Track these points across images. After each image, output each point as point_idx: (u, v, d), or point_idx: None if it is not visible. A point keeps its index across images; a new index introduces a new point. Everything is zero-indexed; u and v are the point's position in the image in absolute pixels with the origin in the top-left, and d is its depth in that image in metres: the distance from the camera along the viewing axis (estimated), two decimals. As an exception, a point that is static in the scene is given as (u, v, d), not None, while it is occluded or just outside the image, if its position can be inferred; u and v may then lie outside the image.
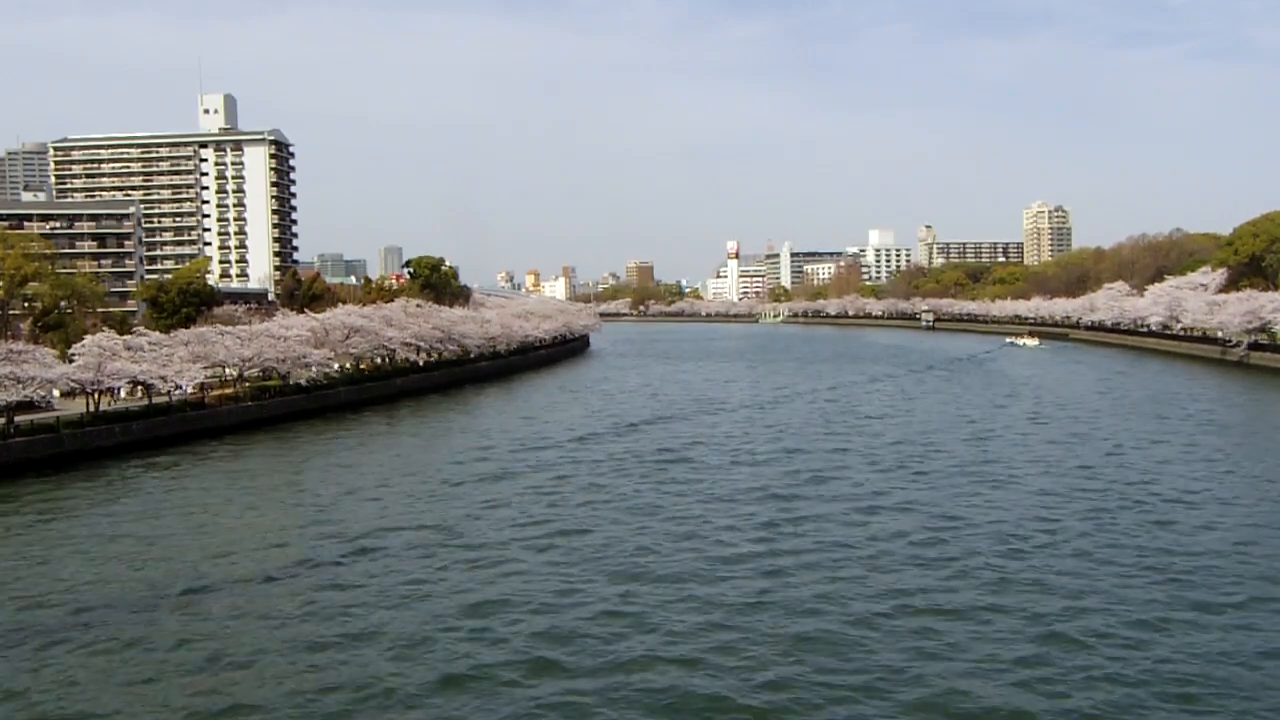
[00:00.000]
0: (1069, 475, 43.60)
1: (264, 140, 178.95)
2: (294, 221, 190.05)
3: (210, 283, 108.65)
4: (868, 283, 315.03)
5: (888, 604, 26.08)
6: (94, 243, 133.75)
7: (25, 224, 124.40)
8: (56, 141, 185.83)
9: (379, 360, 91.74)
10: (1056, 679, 21.20)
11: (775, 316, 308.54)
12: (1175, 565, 29.29)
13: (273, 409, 69.73)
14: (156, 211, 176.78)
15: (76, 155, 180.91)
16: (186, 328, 75.63)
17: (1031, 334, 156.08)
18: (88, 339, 59.22)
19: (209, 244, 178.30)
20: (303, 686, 21.61)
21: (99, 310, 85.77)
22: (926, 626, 24.42)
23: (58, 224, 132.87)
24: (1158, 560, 29.87)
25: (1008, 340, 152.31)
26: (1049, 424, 60.71)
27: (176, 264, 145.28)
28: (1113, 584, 27.66)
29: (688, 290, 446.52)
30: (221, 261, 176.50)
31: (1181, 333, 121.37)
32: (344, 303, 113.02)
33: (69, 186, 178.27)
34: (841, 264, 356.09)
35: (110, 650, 24.08)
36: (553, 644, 23.69)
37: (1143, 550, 31.01)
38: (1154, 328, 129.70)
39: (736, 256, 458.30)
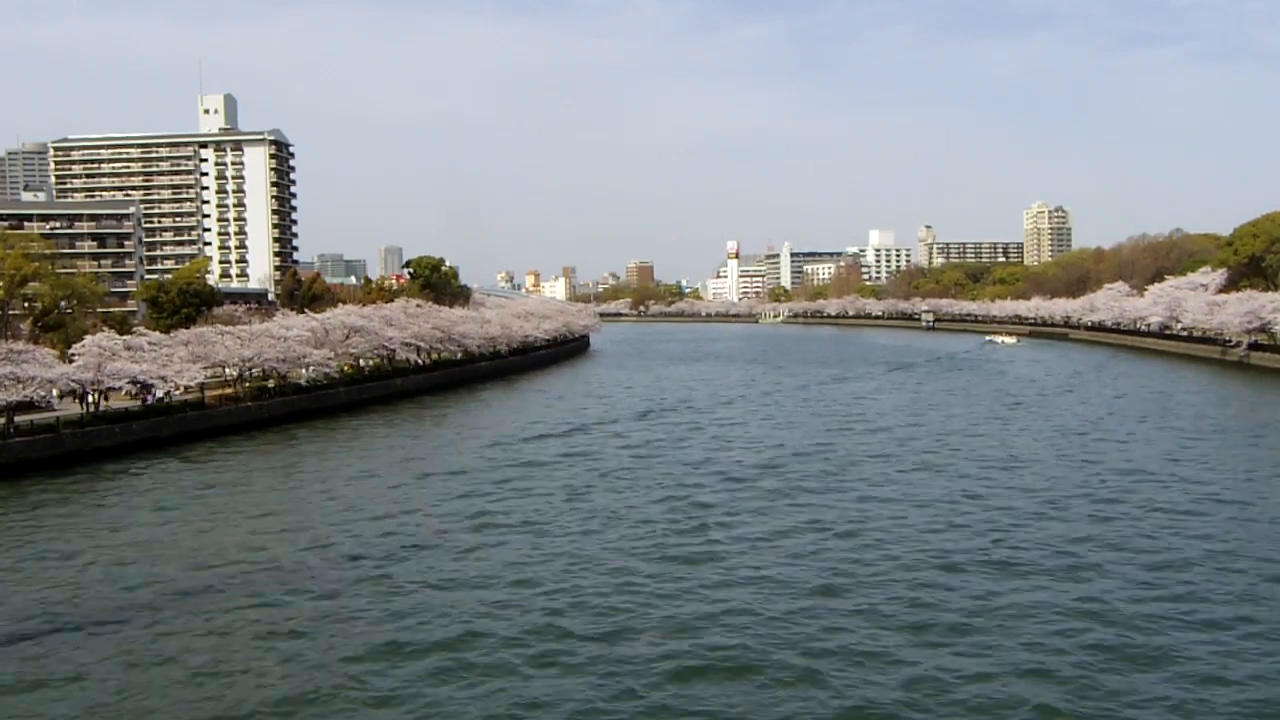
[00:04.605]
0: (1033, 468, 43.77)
1: (264, 140, 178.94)
2: (294, 221, 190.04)
3: (210, 283, 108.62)
4: (868, 283, 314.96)
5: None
6: (94, 243, 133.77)
7: (25, 224, 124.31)
8: (56, 141, 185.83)
9: (378, 361, 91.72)
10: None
11: (775, 317, 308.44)
12: (1166, 562, 29.39)
13: (273, 409, 69.72)
14: (156, 211, 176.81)
15: (76, 155, 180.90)
16: (186, 328, 75.60)
17: (1010, 333, 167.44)
18: (88, 339, 59.13)
19: (209, 244, 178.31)
20: (301, 692, 21.62)
21: (99, 310, 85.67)
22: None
23: (58, 224, 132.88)
24: (1146, 559, 29.97)
25: (987, 339, 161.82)
26: (1010, 412, 61.08)
27: (176, 264, 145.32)
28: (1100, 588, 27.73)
29: (688, 290, 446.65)
30: (221, 261, 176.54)
31: (1181, 333, 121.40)
32: (344, 303, 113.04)
33: (69, 186, 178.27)
34: (841, 264, 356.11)
35: (106, 653, 24.08)
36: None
37: (1133, 550, 31.08)
38: (1154, 328, 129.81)
39: (736, 257, 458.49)
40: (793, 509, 38.16)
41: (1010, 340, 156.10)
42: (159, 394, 62.73)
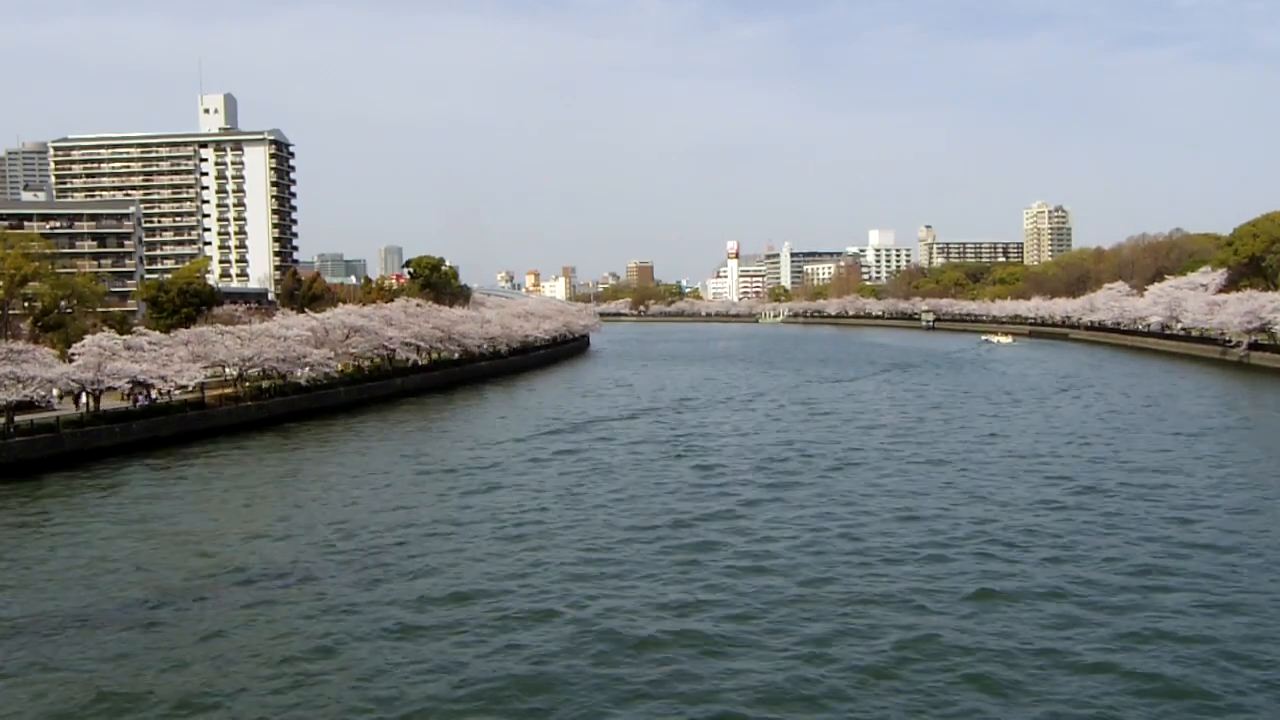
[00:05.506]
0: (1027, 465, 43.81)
1: (264, 140, 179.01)
2: (294, 221, 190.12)
3: (210, 282, 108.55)
4: (868, 283, 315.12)
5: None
6: (94, 243, 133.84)
7: (25, 224, 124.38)
8: (56, 141, 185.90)
9: (377, 360, 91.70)
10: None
11: (775, 316, 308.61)
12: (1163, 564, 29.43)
13: (273, 409, 69.72)
14: (156, 211, 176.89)
15: (76, 155, 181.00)
16: (186, 327, 75.59)
17: (1006, 333, 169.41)
18: (88, 339, 59.14)
19: (209, 244, 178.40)
20: (294, 688, 21.66)
21: (99, 310, 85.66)
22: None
23: (58, 224, 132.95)
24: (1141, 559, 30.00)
25: (983, 339, 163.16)
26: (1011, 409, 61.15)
27: (176, 264, 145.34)
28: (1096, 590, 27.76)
29: (688, 290, 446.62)
30: (221, 261, 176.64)
31: (1181, 333, 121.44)
32: (344, 303, 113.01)
33: (69, 186, 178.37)
34: (841, 264, 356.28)
35: (98, 653, 24.11)
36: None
37: (1130, 552, 31.11)
38: (1154, 328, 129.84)
39: (736, 256, 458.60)
40: (789, 506, 38.20)
41: (1006, 340, 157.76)
42: (153, 395, 62.72)
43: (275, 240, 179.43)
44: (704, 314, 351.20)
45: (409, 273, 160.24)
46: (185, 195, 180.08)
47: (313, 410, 72.96)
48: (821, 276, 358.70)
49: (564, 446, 55.44)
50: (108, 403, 60.97)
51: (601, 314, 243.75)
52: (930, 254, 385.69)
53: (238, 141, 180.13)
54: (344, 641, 24.23)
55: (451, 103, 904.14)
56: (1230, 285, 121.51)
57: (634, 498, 40.57)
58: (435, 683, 21.71)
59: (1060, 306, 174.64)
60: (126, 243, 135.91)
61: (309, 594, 28.25)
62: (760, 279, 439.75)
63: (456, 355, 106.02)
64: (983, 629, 24.28)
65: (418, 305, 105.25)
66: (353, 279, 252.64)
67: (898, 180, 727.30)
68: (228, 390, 70.50)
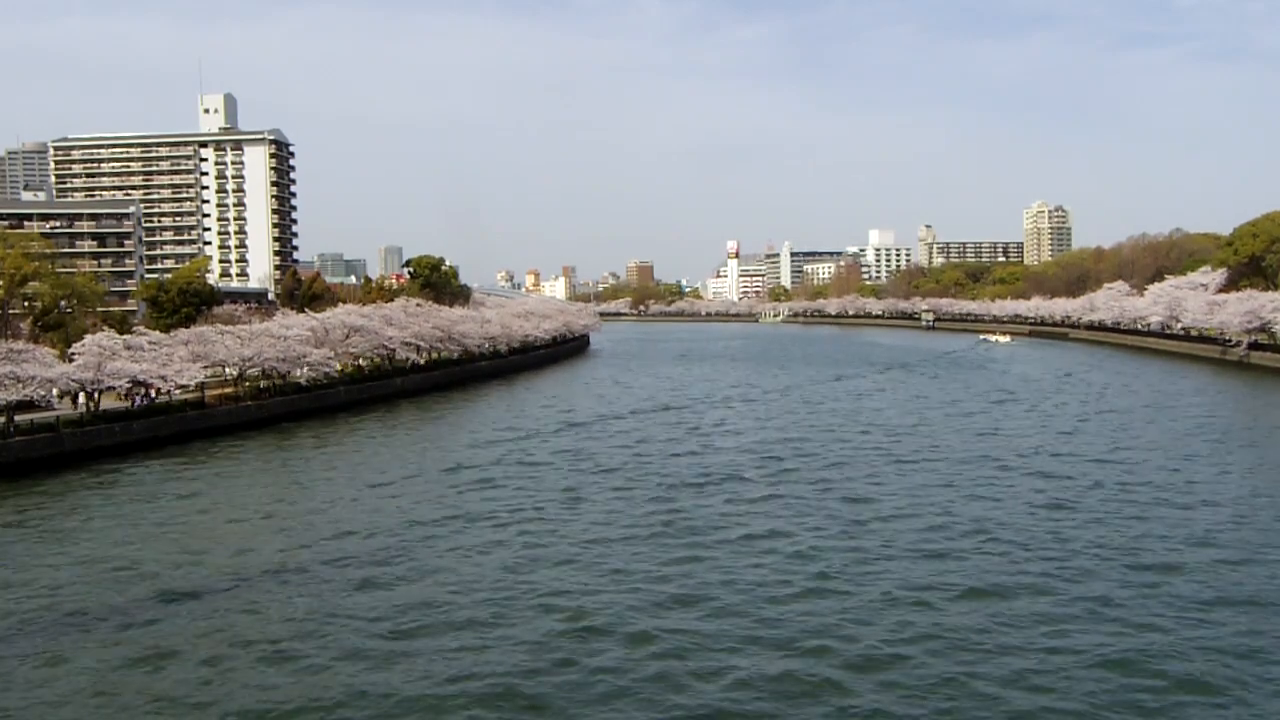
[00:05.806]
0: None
1: (264, 140, 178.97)
2: (294, 221, 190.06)
3: (210, 282, 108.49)
4: (868, 283, 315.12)
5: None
6: (94, 242, 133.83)
7: (25, 223, 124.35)
8: (56, 141, 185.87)
9: (377, 360, 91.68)
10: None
11: (775, 316, 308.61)
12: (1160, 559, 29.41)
13: (273, 408, 69.73)
14: (156, 211, 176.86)
15: (76, 155, 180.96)
16: (186, 327, 75.59)
17: (1005, 332, 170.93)
18: (88, 338, 59.13)
19: (209, 244, 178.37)
20: (290, 685, 21.66)
21: (99, 310, 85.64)
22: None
23: (58, 224, 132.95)
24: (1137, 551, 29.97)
25: (981, 338, 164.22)
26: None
27: (176, 264, 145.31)
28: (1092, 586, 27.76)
29: (688, 290, 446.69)
30: (221, 261, 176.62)
31: (1181, 332, 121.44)
32: (344, 302, 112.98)
33: (69, 186, 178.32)
34: (841, 264, 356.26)
35: (98, 653, 24.12)
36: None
37: (1126, 544, 31.11)
38: (1154, 327, 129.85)
39: (736, 256, 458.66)
40: (787, 504, 38.21)
41: (1004, 339, 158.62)
42: (153, 395, 62.72)
43: (275, 240, 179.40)
44: (704, 314, 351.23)
45: (409, 272, 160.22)
46: (185, 195, 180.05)
47: (312, 410, 72.97)
48: (821, 276, 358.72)
49: (563, 446, 55.47)
50: (107, 403, 60.98)
51: (601, 314, 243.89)
52: (930, 254, 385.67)
53: (238, 141, 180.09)
54: (342, 640, 24.26)
55: (451, 103, 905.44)
56: (1230, 285, 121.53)
57: (632, 497, 40.62)
58: (433, 681, 21.74)
59: (1060, 306, 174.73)
60: (126, 243, 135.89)
61: (307, 593, 28.28)
62: (760, 279, 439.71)
63: (456, 355, 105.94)
64: (981, 627, 24.30)
65: (418, 305, 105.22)
66: (353, 279, 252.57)
67: (898, 180, 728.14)
68: (228, 390, 70.51)
